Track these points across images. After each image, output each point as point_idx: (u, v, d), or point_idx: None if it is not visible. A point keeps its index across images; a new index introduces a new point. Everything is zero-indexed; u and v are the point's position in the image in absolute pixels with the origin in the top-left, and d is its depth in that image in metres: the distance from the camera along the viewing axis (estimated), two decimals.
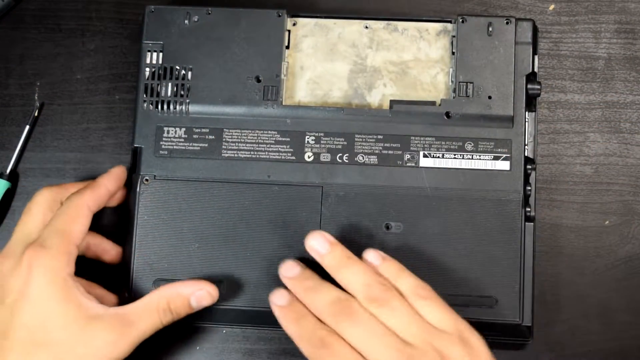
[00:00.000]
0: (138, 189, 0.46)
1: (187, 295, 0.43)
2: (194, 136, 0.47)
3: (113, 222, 0.50)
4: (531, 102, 0.48)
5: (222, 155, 0.47)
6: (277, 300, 0.41)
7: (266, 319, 0.46)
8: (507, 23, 0.48)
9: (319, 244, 0.42)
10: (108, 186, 0.46)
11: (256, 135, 0.47)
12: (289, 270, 0.42)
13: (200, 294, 0.43)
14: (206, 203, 0.46)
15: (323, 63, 0.49)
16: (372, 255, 0.42)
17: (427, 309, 0.40)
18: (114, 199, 0.47)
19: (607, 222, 0.51)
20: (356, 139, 0.47)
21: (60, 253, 0.41)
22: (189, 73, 0.48)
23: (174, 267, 0.46)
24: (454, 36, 0.48)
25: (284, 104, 0.48)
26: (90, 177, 0.52)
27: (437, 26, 0.49)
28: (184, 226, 0.46)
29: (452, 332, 0.39)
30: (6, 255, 0.42)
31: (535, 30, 0.48)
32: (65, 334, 0.39)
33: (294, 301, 0.41)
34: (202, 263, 0.46)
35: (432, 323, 0.39)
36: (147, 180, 0.46)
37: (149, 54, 0.48)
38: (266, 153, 0.47)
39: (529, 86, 0.47)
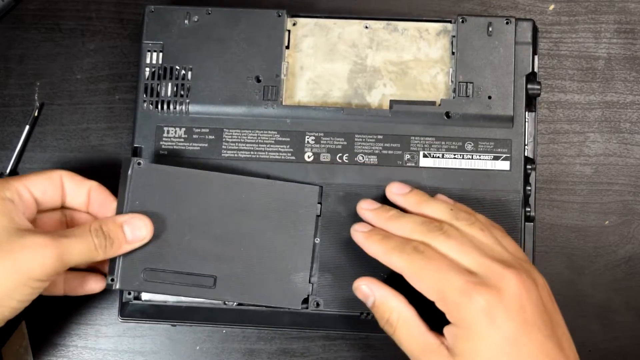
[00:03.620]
0: (130, 172, 0.45)
1: (121, 221, 0.43)
2: (194, 136, 0.47)
3: None
4: (531, 102, 0.48)
5: (222, 155, 0.47)
6: (360, 228, 0.43)
7: (266, 319, 0.46)
8: (507, 23, 0.48)
9: (400, 187, 0.45)
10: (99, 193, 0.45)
11: (256, 135, 0.47)
12: (370, 204, 0.44)
13: (133, 221, 0.43)
14: (201, 193, 0.45)
15: (323, 63, 0.49)
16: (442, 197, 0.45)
17: (503, 240, 0.42)
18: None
19: (607, 222, 0.51)
20: (356, 139, 0.47)
21: (4, 182, 0.42)
22: (189, 73, 0.48)
23: (164, 257, 0.44)
24: (453, 36, 0.48)
25: (284, 104, 0.48)
26: (90, 177, 0.52)
27: (437, 26, 0.49)
28: (175, 216, 0.44)
29: (523, 259, 0.41)
30: None
31: (535, 30, 0.48)
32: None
33: (377, 228, 0.43)
34: (194, 255, 0.44)
35: (509, 251, 0.41)
36: (139, 163, 0.45)
37: (149, 54, 0.48)
38: (266, 153, 0.47)
39: (529, 86, 0.47)
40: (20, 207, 0.42)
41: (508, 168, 0.46)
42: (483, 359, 0.37)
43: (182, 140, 0.47)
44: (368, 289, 0.42)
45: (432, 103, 0.47)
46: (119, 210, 0.44)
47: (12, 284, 0.39)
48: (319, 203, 0.46)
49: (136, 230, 0.43)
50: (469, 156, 0.47)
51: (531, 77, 0.47)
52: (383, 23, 0.49)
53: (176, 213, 0.44)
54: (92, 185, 0.45)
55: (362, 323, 0.46)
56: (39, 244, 0.39)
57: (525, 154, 0.47)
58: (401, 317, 0.40)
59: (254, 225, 0.45)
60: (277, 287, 0.44)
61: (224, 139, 0.47)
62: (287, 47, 0.49)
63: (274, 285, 0.44)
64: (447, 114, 0.47)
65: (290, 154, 0.47)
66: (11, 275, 0.39)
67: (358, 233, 0.43)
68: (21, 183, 0.42)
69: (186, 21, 0.48)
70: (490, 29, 0.48)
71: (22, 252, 0.39)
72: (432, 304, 0.39)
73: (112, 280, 0.44)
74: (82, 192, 0.45)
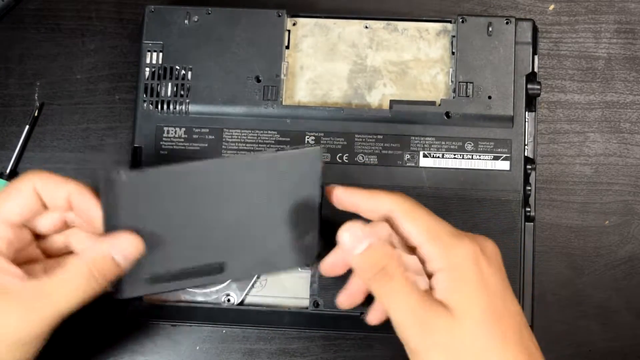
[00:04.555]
0: (106, 185, 0.37)
1: (108, 252, 0.37)
2: (194, 136, 0.47)
3: None
4: (531, 102, 0.48)
5: (222, 155, 0.47)
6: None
7: (266, 318, 0.46)
8: (507, 23, 0.48)
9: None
10: (76, 192, 0.38)
11: (256, 135, 0.47)
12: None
13: (119, 244, 0.37)
14: (191, 186, 0.41)
15: (323, 63, 0.49)
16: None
17: None
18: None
19: (607, 222, 0.51)
20: (356, 139, 0.47)
21: None
22: (189, 73, 0.48)
23: (167, 259, 0.40)
24: (453, 36, 0.48)
25: (284, 104, 0.48)
26: (90, 177, 0.52)
27: (437, 26, 0.49)
28: (169, 216, 0.41)
29: None
30: None
31: (535, 30, 0.48)
32: None
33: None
34: (198, 248, 0.41)
35: None
36: (118, 172, 0.37)
37: (149, 54, 0.48)
38: None
39: (529, 86, 0.47)
40: (3, 248, 0.37)
41: (508, 168, 0.46)
42: (478, 308, 0.34)
43: (182, 140, 0.47)
44: (361, 231, 0.37)
45: (432, 103, 0.47)
46: (106, 227, 0.39)
47: None
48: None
49: (125, 252, 0.38)
50: (469, 156, 0.47)
51: (531, 77, 0.47)
52: (383, 23, 0.49)
53: (170, 213, 0.41)
54: (71, 190, 0.39)
55: (362, 323, 0.46)
56: (19, 317, 0.35)
57: (525, 154, 0.47)
58: (401, 264, 0.36)
59: (256, 203, 0.42)
60: (286, 252, 0.42)
61: (224, 139, 0.47)
62: (287, 47, 0.49)
63: (283, 252, 0.42)
64: (447, 114, 0.47)
65: None
66: None
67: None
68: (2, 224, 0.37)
69: (186, 21, 0.48)
70: (490, 29, 0.48)
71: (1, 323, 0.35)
72: None
73: (117, 290, 0.40)
74: (60, 197, 0.39)
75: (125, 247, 0.38)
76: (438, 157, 0.47)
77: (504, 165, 0.47)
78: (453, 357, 0.34)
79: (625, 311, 0.50)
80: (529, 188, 0.47)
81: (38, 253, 0.41)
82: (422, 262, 0.36)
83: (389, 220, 0.38)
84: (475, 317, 0.34)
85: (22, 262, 0.39)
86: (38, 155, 0.52)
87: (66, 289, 0.36)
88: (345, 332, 0.49)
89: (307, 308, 0.46)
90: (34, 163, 0.52)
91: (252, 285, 0.47)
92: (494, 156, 0.47)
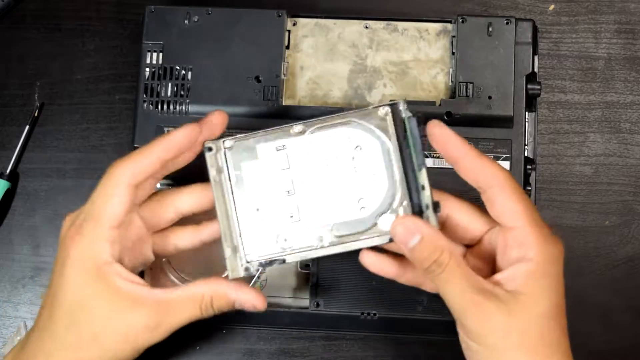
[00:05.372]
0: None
1: (233, 299, 0.40)
2: None
3: None
4: (531, 102, 0.48)
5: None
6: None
7: (266, 319, 0.46)
8: (507, 23, 0.48)
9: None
10: (165, 151, 0.39)
11: None
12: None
13: (244, 297, 0.40)
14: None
15: (323, 63, 0.49)
16: None
17: None
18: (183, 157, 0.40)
19: (607, 222, 0.51)
20: None
21: (95, 240, 0.38)
22: (189, 73, 0.48)
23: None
24: (453, 36, 0.48)
25: (283, 104, 0.48)
26: (90, 177, 0.52)
27: (437, 26, 0.49)
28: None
29: None
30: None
31: (535, 30, 0.48)
32: (103, 313, 0.38)
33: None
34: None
35: None
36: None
37: (149, 54, 0.48)
38: None
39: (529, 86, 0.47)
40: (124, 257, 0.40)
41: (508, 168, 0.46)
42: (551, 301, 0.36)
43: None
44: (414, 226, 0.37)
45: (432, 103, 0.47)
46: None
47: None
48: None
49: (246, 305, 0.40)
50: None
51: (531, 77, 0.47)
52: (383, 23, 0.49)
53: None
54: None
55: (362, 323, 0.46)
56: (151, 327, 0.38)
57: (525, 154, 0.47)
58: (453, 255, 0.36)
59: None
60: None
61: None
62: (287, 47, 0.49)
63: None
64: (447, 114, 0.47)
65: None
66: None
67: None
68: (109, 229, 0.38)
69: (186, 21, 0.48)
70: (490, 29, 0.47)
71: (135, 330, 0.38)
72: None
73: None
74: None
75: (246, 305, 0.40)
76: (438, 157, 0.47)
77: (504, 165, 0.46)
78: (518, 340, 0.35)
79: (625, 311, 0.50)
80: (529, 188, 0.47)
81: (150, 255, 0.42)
82: (507, 243, 0.37)
83: (483, 189, 0.38)
84: (547, 307, 0.36)
85: (139, 264, 0.41)
86: (38, 155, 0.52)
87: (188, 310, 0.39)
88: (345, 332, 0.49)
89: (307, 308, 0.46)
90: (34, 163, 0.52)
91: (252, 285, 0.47)
92: (494, 156, 0.47)
